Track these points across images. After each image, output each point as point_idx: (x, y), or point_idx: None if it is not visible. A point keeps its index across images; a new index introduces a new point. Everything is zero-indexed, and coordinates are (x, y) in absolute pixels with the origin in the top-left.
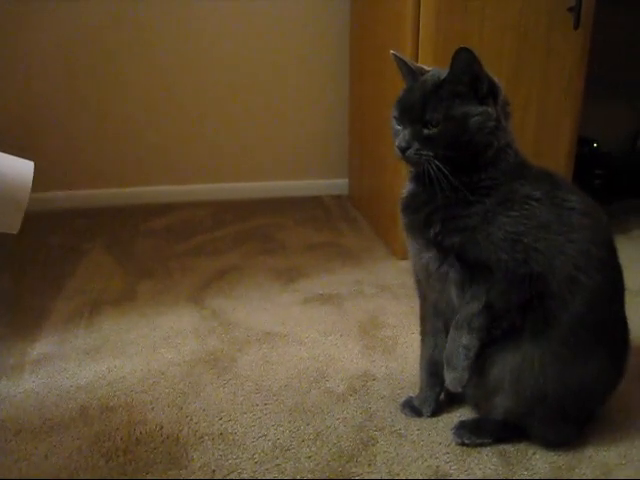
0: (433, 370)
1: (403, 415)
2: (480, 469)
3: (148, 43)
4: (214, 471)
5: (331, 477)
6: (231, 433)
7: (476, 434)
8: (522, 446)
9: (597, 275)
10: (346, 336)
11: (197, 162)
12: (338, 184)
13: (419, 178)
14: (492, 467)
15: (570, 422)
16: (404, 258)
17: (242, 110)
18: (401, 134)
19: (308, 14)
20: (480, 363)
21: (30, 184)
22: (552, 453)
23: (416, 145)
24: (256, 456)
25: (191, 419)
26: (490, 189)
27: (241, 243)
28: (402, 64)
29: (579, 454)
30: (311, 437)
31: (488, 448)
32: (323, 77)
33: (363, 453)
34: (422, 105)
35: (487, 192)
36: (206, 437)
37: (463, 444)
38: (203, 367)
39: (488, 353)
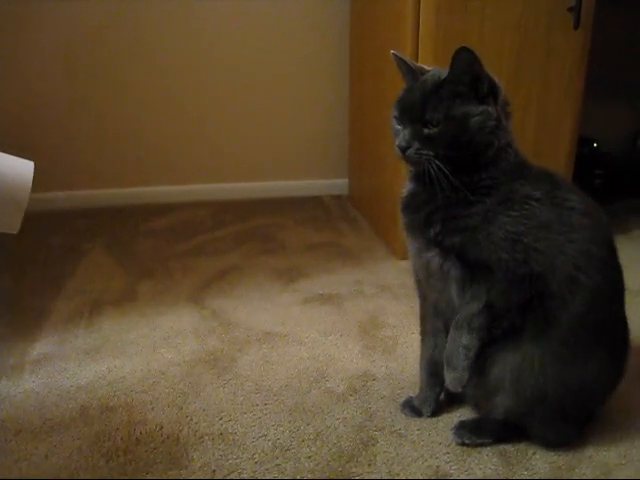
0: (433, 370)
1: (403, 415)
2: (480, 469)
3: (148, 43)
4: (214, 471)
5: (331, 477)
6: (231, 433)
7: (476, 434)
8: (522, 446)
9: (597, 275)
10: (346, 336)
11: (197, 162)
12: (338, 184)
13: (419, 178)
14: (492, 467)
15: (570, 422)
16: (404, 258)
17: (242, 110)
18: (401, 134)
19: (308, 14)
20: (480, 363)
21: (30, 184)
22: (552, 453)
23: (416, 145)
24: (256, 456)
25: (191, 419)
26: (490, 189)
27: (241, 243)
28: (402, 64)
29: (579, 454)
30: (311, 437)
31: (488, 448)
32: (323, 77)
33: (363, 453)
34: (422, 105)
35: (487, 192)
36: (206, 437)
37: (463, 444)
38: (203, 367)
39: (488, 353)
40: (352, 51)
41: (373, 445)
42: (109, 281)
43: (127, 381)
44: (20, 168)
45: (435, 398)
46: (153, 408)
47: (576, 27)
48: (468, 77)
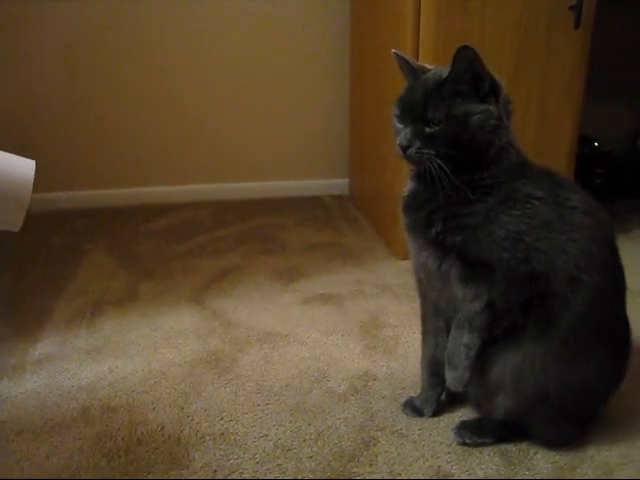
0: (434, 370)
1: (404, 415)
2: (482, 469)
3: (148, 43)
4: (215, 471)
5: (332, 477)
6: (232, 433)
7: (477, 434)
8: (524, 446)
9: (598, 275)
10: (347, 336)
11: (197, 162)
12: (338, 184)
13: (420, 177)
14: (494, 467)
15: (571, 422)
16: (405, 258)
17: (242, 110)
18: (402, 132)
19: (308, 14)
20: (481, 362)
21: (32, 182)
22: (554, 453)
23: (417, 144)
24: (257, 456)
25: (192, 419)
26: (492, 188)
27: (242, 243)
28: (404, 63)
29: (581, 454)
30: (312, 437)
31: (490, 448)
32: (323, 77)
33: (364, 453)
34: (424, 103)
35: (489, 191)
36: (207, 437)
37: (465, 444)
38: (204, 367)
39: (489, 352)
40: (352, 51)
41: (374, 445)
42: (110, 281)
43: (128, 381)
44: (21, 167)
45: (436, 398)
46: (154, 408)
47: (577, 26)
48: (469, 76)
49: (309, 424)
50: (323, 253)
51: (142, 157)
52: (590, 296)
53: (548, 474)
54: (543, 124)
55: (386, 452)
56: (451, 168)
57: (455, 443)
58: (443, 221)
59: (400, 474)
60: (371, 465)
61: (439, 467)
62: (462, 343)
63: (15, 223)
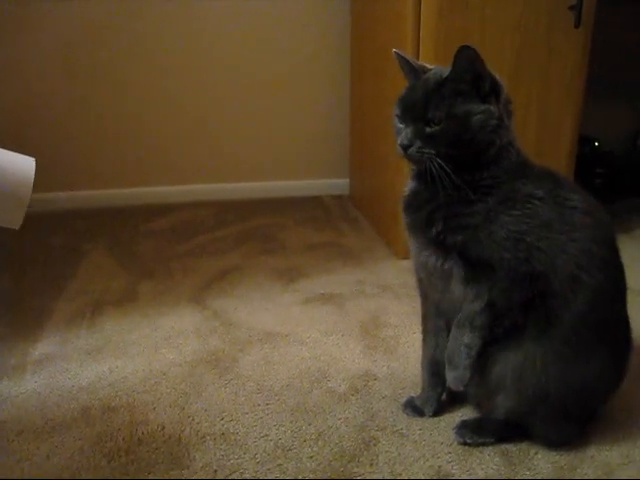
0: (435, 370)
1: (405, 415)
2: (482, 469)
3: (148, 43)
4: (216, 471)
5: (333, 477)
6: (233, 433)
7: (478, 434)
8: (524, 446)
9: (599, 274)
10: (347, 336)
11: (198, 162)
12: (339, 184)
13: (421, 176)
14: (494, 467)
15: (572, 421)
16: (405, 258)
17: (242, 110)
18: (403, 132)
19: (308, 14)
20: (482, 362)
21: (32, 179)
22: (554, 453)
23: (418, 143)
24: (258, 456)
25: (193, 419)
26: (492, 188)
27: (242, 243)
28: (404, 62)
29: (581, 454)
30: (313, 437)
31: (490, 448)
32: (323, 77)
33: (365, 453)
34: (424, 103)
35: (489, 191)
36: (208, 437)
37: (465, 444)
38: (205, 367)
39: (490, 352)
40: (353, 51)
41: (375, 445)
42: (110, 281)
43: (129, 381)
44: (22, 164)
45: (437, 398)
46: (155, 408)
47: (577, 26)
48: (470, 75)
49: (309, 424)
50: (323, 253)
51: (142, 157)
52: (591, 296)
53: (548, 474)
54: (543, 124)
55: (387, 452)
56: (452, 168)
57: (456, 443)
58: (444, 221)
59: (401, 474)
60: (372, 465)
61: (440, 467)
62: (463, 342)
63: (15, 220)
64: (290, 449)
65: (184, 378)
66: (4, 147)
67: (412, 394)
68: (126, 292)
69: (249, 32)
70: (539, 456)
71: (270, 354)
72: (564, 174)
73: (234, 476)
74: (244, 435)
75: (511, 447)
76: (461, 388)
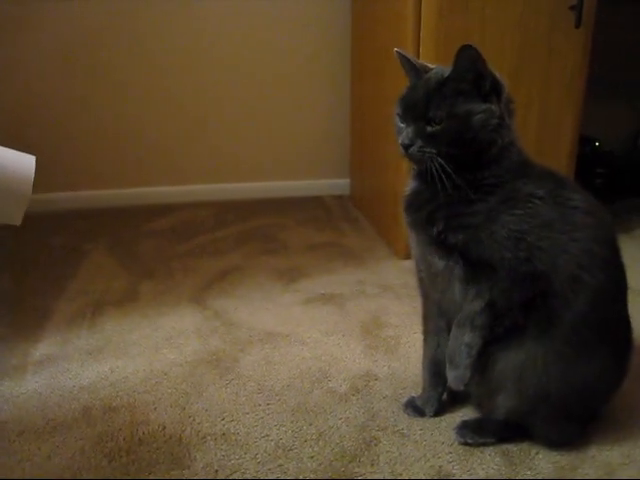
0: (436, 370)
1: (406, 415)
2: (483, 469)
3: (148, 43)
4: (217, 471)
5: (334, 477)
6: (234, 433)
7: (479, 434)
8: (525, 446)
9: (600, 274)
10: (348, 336)
11: (198, 162)
12: (339, 184)
13: (422, 176)
14: (495, 467)
15: (573, 421)
16: (406, 258)
17: (242, 110)
18: (404, 131)
19: (308, 14)
20: (483, 361)
21: (32, 177)
22: (555, 453)
23: (419, 142)
24: (259, 456)
25: (194, 419)
26: (493, 187)
27: (243, 243)
28: (406, 62)
29: (582, 454)
30: (314, 437)
31: (491, 448)
32: (324, 77)
33: (366, 453)
34: (425, 102)
35: (490, 190)
36: (209, 437)
37: (466, 444)
38: (205, 367)
39: (491, 351)
40: (353, 51)
41: (376, 445)
42: (111, 282)
43: (129, 381)
44: (22, 162)
45: (438, 398)
46: (155, 408)
47: (577, 26)
48: (471, 75)
49: (310, 424)
50: (324, 253)
51: (142, 157)
52: (592, 296)
53: (549, 474)
54: (544, 124)
55: (387, 452)
56: (453, 167)
57: (456, 443)
58: (444, 220)
59: (401, 474)
60: (372, 465)
61: (440, 467)
62: (463, 342)
63: (16, 217)
64: (291, 449)
65: (185, 378)
66: (4, 146)
67: (413, 394)
68: (127, 292)
69: (249, 32)
70: (540, 456)
71: (271, 354)
72: (564, 174)
73: (235, 476)
74: (245, 435)
75: (512, 447)
76: (462, 388)
